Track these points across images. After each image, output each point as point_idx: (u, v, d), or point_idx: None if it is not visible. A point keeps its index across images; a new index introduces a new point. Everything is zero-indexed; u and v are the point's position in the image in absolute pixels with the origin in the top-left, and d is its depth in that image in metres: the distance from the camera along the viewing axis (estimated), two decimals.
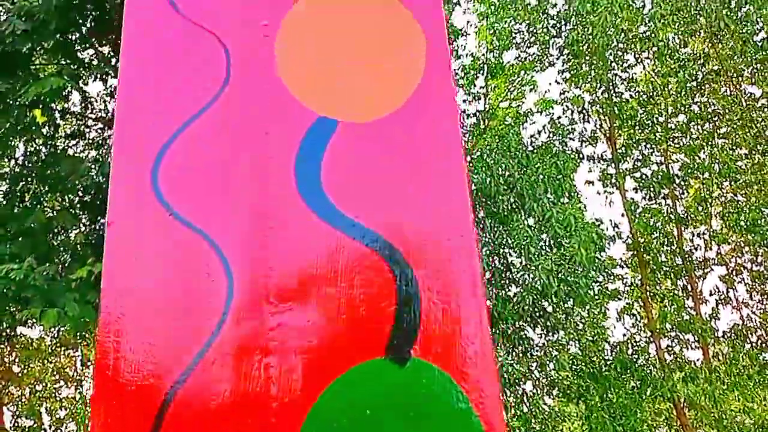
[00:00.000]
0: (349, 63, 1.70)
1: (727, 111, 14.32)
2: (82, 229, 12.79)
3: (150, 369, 1.49)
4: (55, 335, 16.22)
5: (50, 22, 10.55)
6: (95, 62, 13.21)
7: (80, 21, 11.63)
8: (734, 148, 14.53)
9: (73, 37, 12.37)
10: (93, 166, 12.43)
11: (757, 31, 13.24)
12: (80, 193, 12.84)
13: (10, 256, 10.63)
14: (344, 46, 1.72)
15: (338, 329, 1.50)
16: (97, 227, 13.19)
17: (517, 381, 11.52)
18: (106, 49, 13.29)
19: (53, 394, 16.48)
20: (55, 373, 16.56)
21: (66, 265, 11.94)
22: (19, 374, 16.32)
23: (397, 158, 1.63)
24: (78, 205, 13.27)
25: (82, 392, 16.81)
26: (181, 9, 1.75)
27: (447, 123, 1.66)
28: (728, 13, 12.72)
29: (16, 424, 15.93)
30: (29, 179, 12.88)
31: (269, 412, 1.44)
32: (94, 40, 13.07)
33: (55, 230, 12.71)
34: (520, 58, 15.43)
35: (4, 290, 9.91)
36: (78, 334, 14.92)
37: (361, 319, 1.49)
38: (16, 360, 16.46)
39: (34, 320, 11.51)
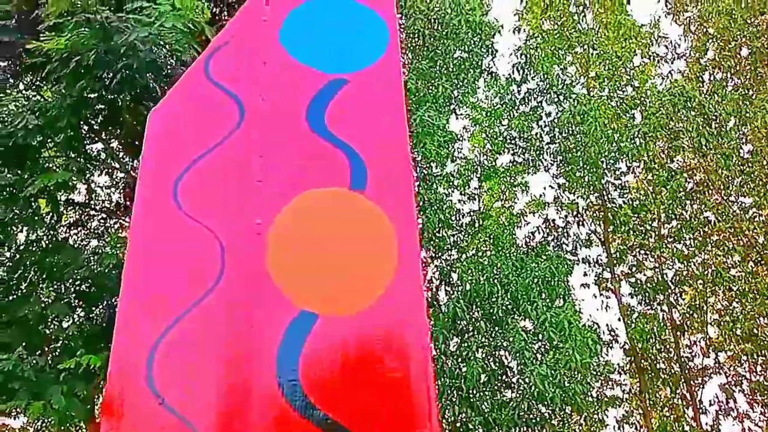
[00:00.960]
0: (329, 260, 1.88)
1: (718, 219, 14.63)
2: (76, 319, 12.71)
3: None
4: (38, 427, 15.72)
5: (62, 118, 10.96)
6: (103, 156, 13.61)
7: (90, 117, 12.08)
8: (727, 256, 14.71)
9: (82, 131, 12.79)
10: (92, 258, 12.54)
11: (742, 145, 13.76)
12: (77, 283, 12.86)
13: (1, 346, 10.53)
14: (326, 245, 1.91)
15: None
16: (91, 318, 13.11)
17: None
18: (114, 144, 13.72)
19: None
20: None
21: (56, 354, 11.79)
22: None
23: (371, 354, 1.75)
24: (74, 295, 13.26)
25: None
26: (182, 206, 1.96)
27: (416, 317, 1.80)
28: (709, 130, 13.27)
29: None
30: (27, 267, 12.93)
31: None
32: (103, 133, 13.52)
33: (49, 320, 12.63)
34: (513, 162, 15.92)
35: None
36: (62, 427, 14.48)
37: None
38: None
39: (18, 411, 11.25)
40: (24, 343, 10.70)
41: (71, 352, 11.17)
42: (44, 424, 15.46)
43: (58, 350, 12.18)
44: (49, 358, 11.42)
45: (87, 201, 14.85)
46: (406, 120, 2.15)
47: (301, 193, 1.97)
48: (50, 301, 12.60)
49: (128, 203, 15.15)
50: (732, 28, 14.55)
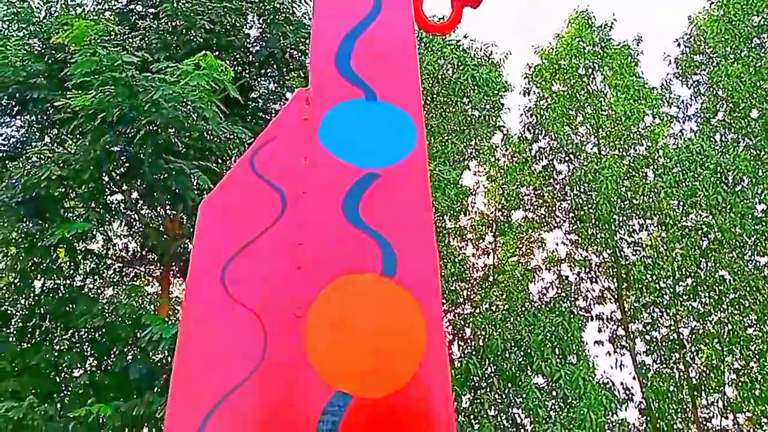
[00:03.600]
0: (362, 343, 2.08)
1: (733, 278, 14.53)
2: (87, 368, 12.73)
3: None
4: None
5: (85, 170, 11.26)
6: (122, 207, 13.87)
7: (112, 169, 12.39)
8: (743, 314, 14.54)
9: (103, 182, 13.08)
10: (107, 307, 12.64)
11: (756, 204, 13.80)
12: (91, 332, 12.94)
13: (12, 393, 10.56)
14: (359, 328, 2.10)
15: None
16: (103, 368, 13.13)
17: None
18: (134, 194, 14.00)
19: None
20: None
21: (66, 403, 11.77)
22: None
23: (399, 430, 1.94)
24: (86, 344, 13.31)
25: None
26: (230, 290, 2.16)
27: (442, 408, 2.00)
28: (725, 188, 13.35)
29: None
30: (42, 316, 13.05)
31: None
32: (123, 185, 13.82)
33: (60, 368, 12.65)
34: (527, 219, 16.03)
35: (2, 428, 9.73)
36: None
37: None
38: None
39: None
40: (35, 391, 10.74)
41: (82, 401, 11.17)
42: None
43: (69, 399, 12.17)
44: (59, 406, 11.41)
45: (104, 251, 15.05)
46: (432, 211, 2.37)
47: (337, 278, 2.15)
48: (63, 349, 12.67)
49: (144, 252, 15.35)
50: (741, 90, 14.80)
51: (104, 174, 12.42)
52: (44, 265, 11.72)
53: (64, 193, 12.12)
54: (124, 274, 15.39)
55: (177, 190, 11.80)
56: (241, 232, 2.26)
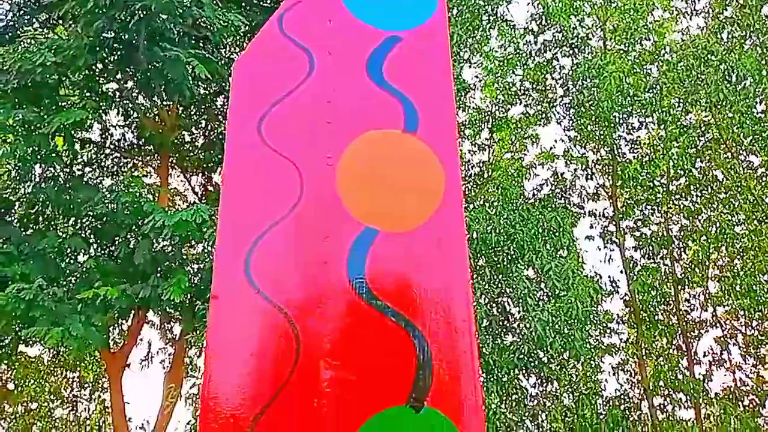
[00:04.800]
0: (388, 187, 2.37)
1: (726, 177, 14.71)
2: (92, 253, 13.08)
3: (239, 403, 2.06)
4: (55, 355, 16.37)
5: (79, 57, 11.04)
6: (118, 95, 13.70)
7: (106, 56, 12.14)
8: (732, 213, 14.85)
9: (98, 70, 12.86)
10: (108, 195, 12.79)
11: (756, 104, 13.71)
12: (93, 220, 13.18)
13: (21, 276, 10.92)
14: (385, 175, 2.38)
15: (373, 383, 2.10)
16: (106, 253, 13.49)
17: (509, 429, 11.60)
18: (129, 84, 13.80)
19: (47, 414, 16.55)
20: (50, 393, 16.66)
21: (73, 287, 12.21)
22: (14, 392, 16.42)
23: (422, 263, 2.22)
24: (89, 231, 13.60)
25: (76, 414, 16.87)
26: (267, 140, 2.40)
27: (457, 239, 2.29)
28: (728, 86, 13.21)
29: None
30: (44, 203, 13.23)
31: None
32: (118, 74, 13.58)
33: (65, 254, 13.00)
34: (525, 114, 15.93)
35: (14, 308, 10.17)
36: (78, 356, 15.09)
37: (390, 377, 2.09)
38: (12, 377, 16.58)
39: (36, 339, 11.74)
40: (43, 275, 11.11)
41: (88, 284, 11.59)
42: (60, 353, 16.10)
43: (76, 282, 12.60)
44: (66, 289, 11.85)
45: (102, 140, 15.05)
46: (451, 73, 2.58)
47: (364, 133, 2.41)
48: (67, 235, 12.96)
49: (141, 143, 15.35)
50: None
51: (98, 62, 12.19)
52: (43, 152, 11.75)
53: (59, 80, 11.95)
54: (122, 164, 15.47)
55: (173, 79, 11.65)
56: (273, 89, 2.47)
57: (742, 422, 13.35)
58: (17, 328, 12.04)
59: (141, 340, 15.02)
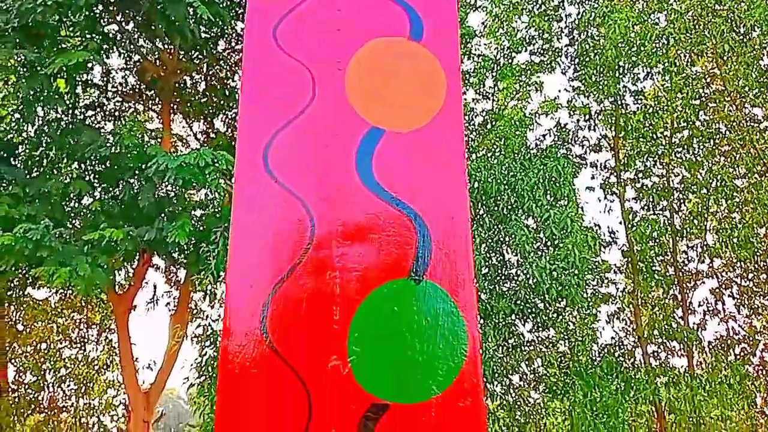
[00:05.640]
0: (393, 90, 2.59)
1: (728, 130, 14.67)
2: (96, 196, 13.19)
3: (259, 275, 2.33)
4: (62, 297, 16.68)
5: None
6: (119, 37, 13.58)
7: None
8: (734, 166, 14.87)
9: (98, 11, 12.71)
10: (110, 138, 12.82)
11: (763, 56, 13.57)
12: (96, 163, 13.24)
13: (27, 217, 11.07)
14: (391, 79, 2.59)
15: (378, 260, 2.38)
16: (111, 196, 13.60)
17: (505, 373, 11.92)
18: (130, 26, 13.65)
19: (56, 353, 16.96)
20: (58, 333, 17.04)
21: (78, 229, 12.36)
22: (24, 332, 16.80)
23: (424, 159, 2.47)
24: (93, 174, 13.68)
25: (85, 353, 17.29)
26: (282, 46, 2.61)
27: (456, 139, 2.52)
28: (735, 36, 13.05)
29: (19, 380, 16.42)
30: (48, 145, 13.27)
31: (335, 304, 2.32)
32: (119, 15, 13.43)
33: (70, 196, 13.10)
34: (530, 62, 15.78)
35: (22, 248, 10.33)
36: (84, 297, 15.38)
37: (393, 256, 2.37)
38: (21, 319, 16.94)
39: (43, 281, 11.94)
40: (48, 217, 11.25)
41: (94, 226, 11.74)
42: (67, 295, 16.38)
43: (81, 224, 12.75)
44: (72, 231, 12.00)
45: (103, 83, 14.98)
46: None
47: (371, 39, 2.62)
48: (71, 178, 13.05)
49: (143, 87, 15.28)
50: None
51: (99, 2, 12.06)
52: (45, 94, 11.74)
53: (59, 20, 11.84)
54: (124, 108, 15.44)
55: (174, 21, 11.54)
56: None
57: (733, 369, 13.70)
58: (25, 269, 12.26)
59: (146, 283, 15.29)
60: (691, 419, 12.29)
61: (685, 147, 15.38)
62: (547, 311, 12.28)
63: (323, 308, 2.27)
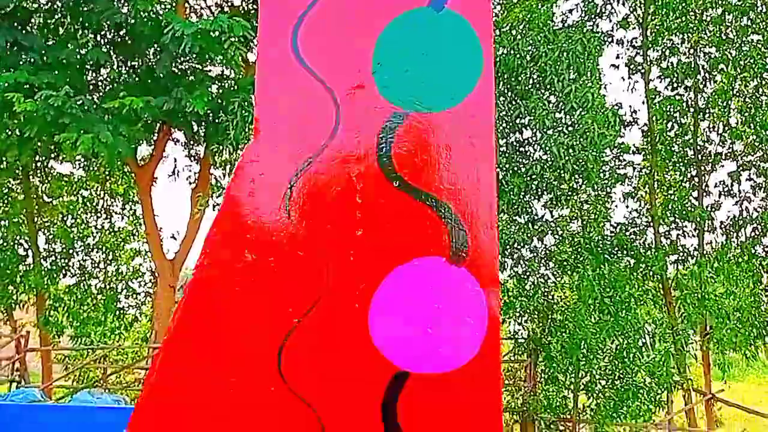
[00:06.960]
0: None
1: (765, 5, 13.99)
2: (114, 66, 13.14)
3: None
4: (85, 169, 17.06)
5: None
6: None
7: None
8: (766, 44, 14.30)
9: None
10: (125, 6, 12.57)
11: None
12: (112, 31, 13.06)
13: (47, 85, 11.11)
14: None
15: None
16: (129, 67, 13.52)
17: (517, 247, 12.23)
18: None
19: (83, 223, 17.60)
20: (84, 204, 17.58)
21: (99, 99, 12.43)
22: (50, 204, 17.35)
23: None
24: (109, 44, 13.54)
25: (111, 222, 17.92)
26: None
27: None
28: None
29: (50, 249, 17.18)
30: (63, 13, 13.06)
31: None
32: None
33: (88, 66, 13.06)
34: None
35: (44, 114, 10.46)
36: (107, 169, 15.71)
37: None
38: (47, 191, 17.43)
39: (66, 151, 12.14)
40: (68, 85, 11.29)
41: (114, 95, 11.79)
42: (90, 167, 16.74)
43: (101, 93, 12.80)
44: (92, 100, 12.07)
45: None
46: None
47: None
48: (89, 47, 12.94)
49: None
50: None
51: None
52: None
53: None
54: None
55: None
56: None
57: (743, 248, 13.93)
58: (48, 137, 12.46)
59: (166, 156, 15.53)
60: (695, 295, 12.66)
61: (718, 23, 14.74)
62: (562, 188, 12.38)
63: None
